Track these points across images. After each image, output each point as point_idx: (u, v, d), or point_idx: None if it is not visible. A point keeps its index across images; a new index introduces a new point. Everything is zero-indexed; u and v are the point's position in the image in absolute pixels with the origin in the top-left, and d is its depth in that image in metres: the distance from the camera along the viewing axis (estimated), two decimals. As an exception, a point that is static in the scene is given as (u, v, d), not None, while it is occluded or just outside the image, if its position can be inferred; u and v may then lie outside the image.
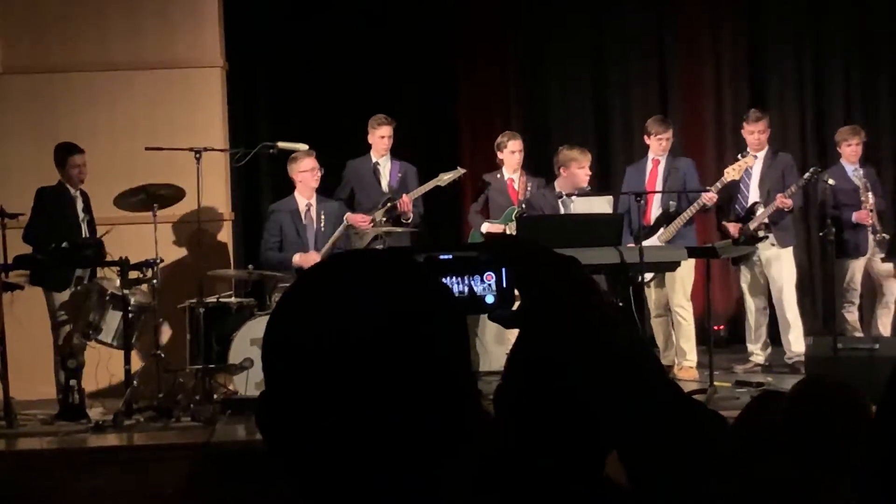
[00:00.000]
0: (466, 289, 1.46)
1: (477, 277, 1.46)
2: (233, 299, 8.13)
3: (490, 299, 1.46)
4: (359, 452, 1.16)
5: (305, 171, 8.48)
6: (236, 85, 9.64)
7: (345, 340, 1.16)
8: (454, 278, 1.47)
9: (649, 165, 8.93)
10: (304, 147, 8.36)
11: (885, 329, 9.11)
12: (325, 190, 8.80)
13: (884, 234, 8.75)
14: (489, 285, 1.46)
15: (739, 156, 8.76)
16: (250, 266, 8.36)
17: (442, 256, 1.47)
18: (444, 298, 1.27)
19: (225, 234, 9.26)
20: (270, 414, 1.20)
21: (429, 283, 1.26)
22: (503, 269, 1.45)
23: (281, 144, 8.18)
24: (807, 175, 8.63)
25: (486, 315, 1.47)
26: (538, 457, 1.54)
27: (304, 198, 8.57)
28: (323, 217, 8.57)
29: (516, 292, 1.46)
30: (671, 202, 8.73)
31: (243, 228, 9.72)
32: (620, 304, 7.39)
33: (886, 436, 1.87)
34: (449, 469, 1.22)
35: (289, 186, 8.67)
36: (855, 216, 8.75)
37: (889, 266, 9.07)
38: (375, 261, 1.28)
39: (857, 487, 2.27)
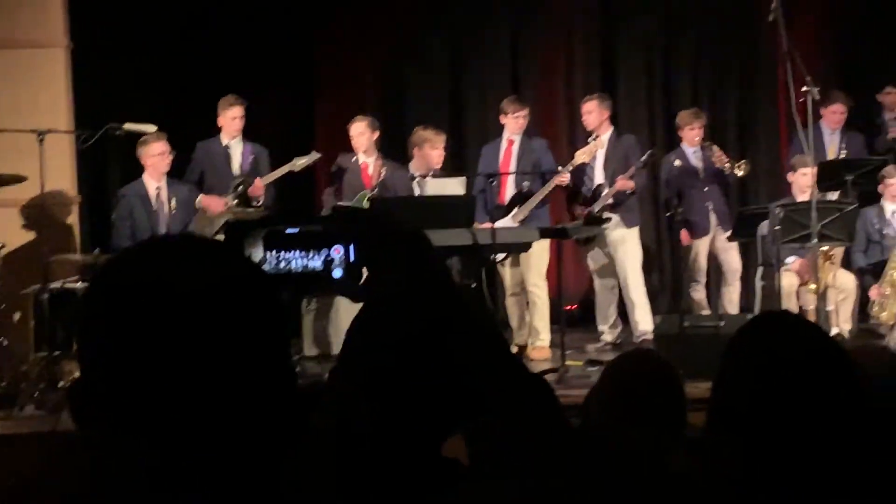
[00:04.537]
0: (314, 263, 1.44)
1: (325, 251, 1.44)
2: (79, 284, 7.93)
3: (338, 273, 1.44)
4: (181, 429, 1.15)
5: (155, 156, 8.33)
6: (83, 65, 9.39)
7: (156, 317, 1.15)
8: (301, 252, 1.44)
9: (504, 145, 8.99)
10: (152, 128, 8.18)
11: (731, 306, 9.37)
12: (176, 173, 8.65)
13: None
14: (337, 259, 1.44)
15: (590, 139, 8.90)
16: (97, 250, 8.17)
17: (288, 230, 1.45)
18: (248, 276, 1.25)
19: (72, 218, 9.01)
20: (90, 397, 1.17)
21: (232, 261, 1.24)
22: (351, 243, 1.43)
23: (128, 126, 7.99)
24: (644, 157, 8.80)
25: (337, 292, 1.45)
26: (375, 434, 1.54)
27: (154, 181, 8.41)
28: (174, 201, 8.42)
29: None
30: (525, 182, 8.81)
31: (90, 211, 9.48)
32: (473, 284, 7.44)
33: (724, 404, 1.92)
34: (274, 446, 1.20)
35: (138, 168, 8.50)
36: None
37: (732, 245, 9.35)
38: (177, 244, 1.26)
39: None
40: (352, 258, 1.43)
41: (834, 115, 9.52)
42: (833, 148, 9.51)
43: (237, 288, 1.21)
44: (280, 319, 1.25)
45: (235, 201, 8.55)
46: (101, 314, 1.20)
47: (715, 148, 9.31)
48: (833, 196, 8.69)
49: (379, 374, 1.57)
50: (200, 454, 1.16)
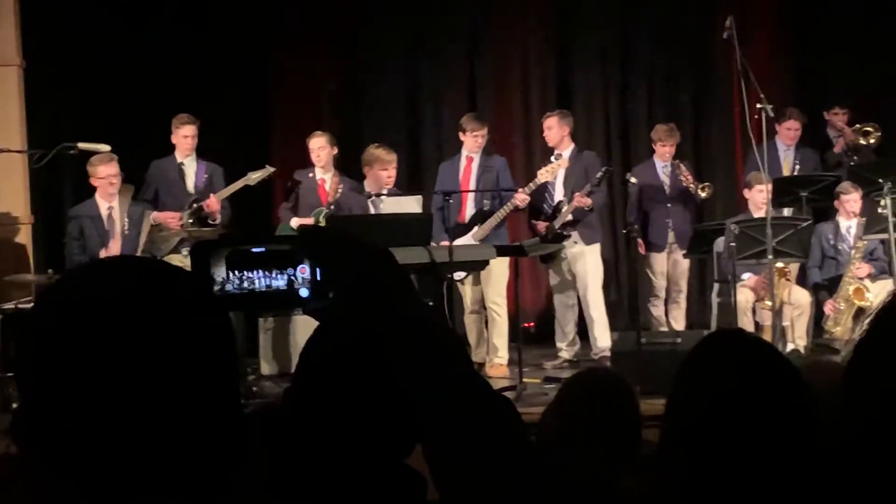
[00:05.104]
0: (280, 282, 1.43)
1: (290, 271, 1.43)
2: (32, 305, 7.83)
3: (304, 293, 1.43)
4: (122, 453, 1.14)
5: (102, 178, 8.29)
6: (37, 84, 9.31)
7: (103, 339, 1.15)
8: (267, 272, 1.43)
9: (463, 162, 9.00)
10: (105, 148, 8.09)
11: (676, 323, 9.44)
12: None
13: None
14: (303, 279, 1.42)
15: (553, 157, 8.92)
16: (50, 270, 8.08)
17: (254, 249, 1.43)
18: (193, 298, 1.23)
19: (24, 238, 8.92)
20: (33, 423, 1.16)
21: (176, 282, 1.23)
22: (318, 262, 1.42)
23: (81, 145, 7.90)
24: (599, 174, 8.83)
25: (300, 312, 1.45)
26: (335, 452, 1.52)
27: (105, 201, 8.35)
28: (127, 221, 8.36)
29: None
30: (485, 200, 8.82)
31: (44, 232, 9.39)
32: (431, 303, 7.42)
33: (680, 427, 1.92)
34: (216, 469, 1.18)
35: (92, 188, 8.43)
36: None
37: (685, 262, 9.43)
38: (120, 266, 1.25)
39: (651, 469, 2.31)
40: (318, 277, 1.42)
41: (789, 132, 9.62)
42: (787, 164, 9.60)
43: (180, 310, 1.20)
44: (226, 341, 1.24)
45: (191, 220, 8.49)
46: (39, 338, 1.18)
47: (683, 167, 9.39)
48: (788, 212, 8.77)
49: (332, 393, 1.55)
50: (140, 477, 1.14)
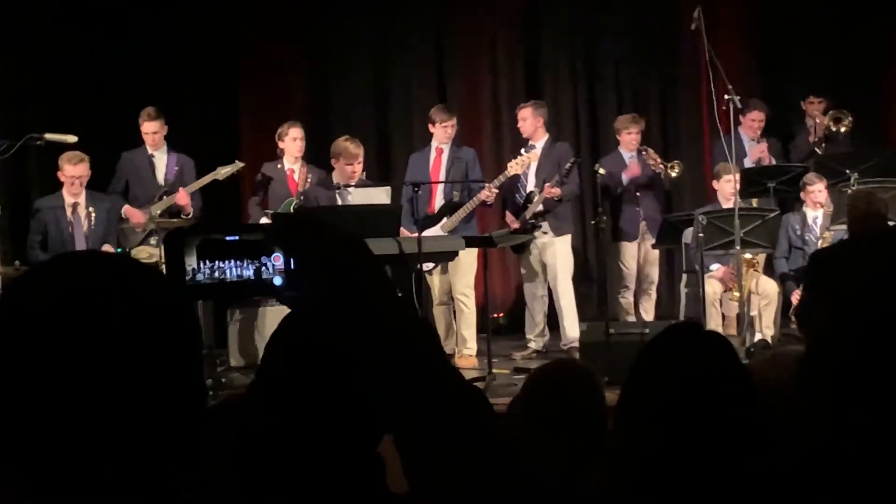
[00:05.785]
0: (253, 271, 1.43)
1: (264, 259, 1.43)
2: (-1, 297, 7.77)
3: (278, 281, 1.43)
4: (80, 448, 1.14)
5: (73, 177, 8.25)
6: (2, 75, 9.25)
7: (64, 336, 1.14)
8: (240, 261, 1.43)
9: (433, 154, 8.99)
10: (73, 139, 8.04)
11: (646, 315, 9.48)
12: (100, 182, 8.55)
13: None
14: (277, 267, 1.42)
15: (523, 150, 8.93)
16: (17, 262, 8.04)
17: (228, 238, 1.43)
18: (156, 291, 1.23)
19: (-9, 229, 8.87)
20: None
21: (138, 276, 1.23)
22: (291, 251, 1.42)
23: (48, 136, 7.85)
24: (567, 165, 8.83)
25: (270, 304, 1.45)
26: (302, 441, 1.53)
27: (71, 196, 8.31)
28: (94, 215, 8.31)
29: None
30: (454, 192, 8.83)
31: (10, 223, 9.32)
32: (400, 293, 7.41)
33: (629, 424, 1.93)
34: (176, 464, 1.18)
35: (59, 180, 8.39)
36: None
37: (655, 253, 9.46)
38: (82, 260, 1.25)
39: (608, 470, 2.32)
40: (292, 265, 1.42)
41: (753, 123, 9.67)
42: (753, 155, 9.63)
43: (143, 305, 1.19)
44: (191, 334, 1.23)
45: (159, 212, 8.46)
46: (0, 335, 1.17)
47: (651, 151, 9.43)
48: (755, 203, 8.81)
49: (301, 382, 1.56)
50: (99, 474, 1.14)
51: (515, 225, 8.88)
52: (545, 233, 8.91)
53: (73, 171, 8.25)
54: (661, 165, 9.35)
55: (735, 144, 8.30)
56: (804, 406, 1.20)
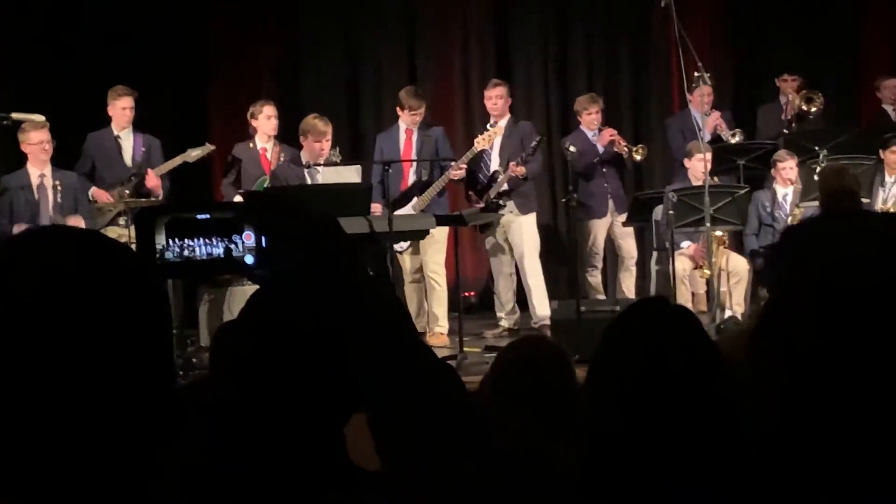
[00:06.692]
0: (223, 249, 1.42)
1: (235, 237, 1.41)
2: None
3: (250, 259, 1.42)
4: (45, 430, 1.12)
5: (34, 144, 8.14)
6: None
7: (29, 313, 1.13)
8: (209, 239, 1.42)
9: (402, 135, 8.97)
10: (40, 118, 8.00)
11: (628, 292, 9.49)
12: (66, 164, 8.48)
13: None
14: (247, 245, 1.41)
15: (488, 125, 8.93)
16: (-16, 241, 7.98)
17: (199, 216, 1.42)
18: (124, 268, 1.22)
19: (-44, 209, 8.78)
20: None
21: (106, 253, 1.21)
22: (262, 228, 1.41)
23: (15, 115, 7.81)
24: (533, 144, 8.82)
25: (240, 284, 1.45)
26: (271, 419, 1.52)
27: (37, 169, 8.22)
28: (60, 189, 8.24)
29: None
30: (423, 171, 8.82)
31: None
32: (372, 273, 7.41)
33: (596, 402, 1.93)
34: (145, 445, 1.17)
35: (24, 156, 8.30)
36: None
37: (629, 230, 9.48)
38: (47, 237, 1.23)
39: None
40: (263, 243, 1.41)
41: (702, 99, 9.53)
42: (709, 129, 9.51)
43: (111, 281, 1.18)
44: (160, 313, 1.22)
45: (128, 192, 8.40)
46: None
47: (616, 134, 9.46)
48: (715, 180, 8.82)
49: (268, 362, 1.55)
50: (66, 455, 1.12)
51: (479, 204, 8.87)
52: (511, 212, 8.90)
53: (39, 135, 8.10)
54: (626, 149, 9.37)
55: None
56: (756, 377, 1.20)
